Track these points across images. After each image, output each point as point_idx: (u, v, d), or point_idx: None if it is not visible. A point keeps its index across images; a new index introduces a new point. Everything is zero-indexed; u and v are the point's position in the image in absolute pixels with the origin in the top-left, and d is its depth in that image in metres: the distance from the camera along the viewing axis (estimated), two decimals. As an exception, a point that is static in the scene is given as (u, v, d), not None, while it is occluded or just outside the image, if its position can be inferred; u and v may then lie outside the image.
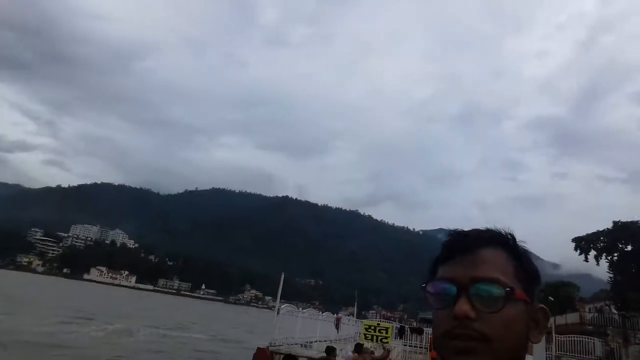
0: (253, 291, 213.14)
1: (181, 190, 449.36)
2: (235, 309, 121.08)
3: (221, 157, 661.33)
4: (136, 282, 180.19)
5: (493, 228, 0.82)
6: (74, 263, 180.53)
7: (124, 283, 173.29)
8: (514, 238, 0.82)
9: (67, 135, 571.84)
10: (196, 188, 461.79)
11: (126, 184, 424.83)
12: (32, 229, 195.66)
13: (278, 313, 11.90)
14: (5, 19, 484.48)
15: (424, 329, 19.53)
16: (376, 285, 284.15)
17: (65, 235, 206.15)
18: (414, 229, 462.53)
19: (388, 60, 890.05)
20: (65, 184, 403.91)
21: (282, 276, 13.23)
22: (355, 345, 10.00)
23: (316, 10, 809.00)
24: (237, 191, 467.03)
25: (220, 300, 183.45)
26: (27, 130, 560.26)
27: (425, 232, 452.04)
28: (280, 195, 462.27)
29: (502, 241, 0.80)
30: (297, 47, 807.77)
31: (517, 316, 0.73)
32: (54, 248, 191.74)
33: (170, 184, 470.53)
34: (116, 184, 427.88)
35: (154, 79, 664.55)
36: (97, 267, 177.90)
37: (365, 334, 13.65)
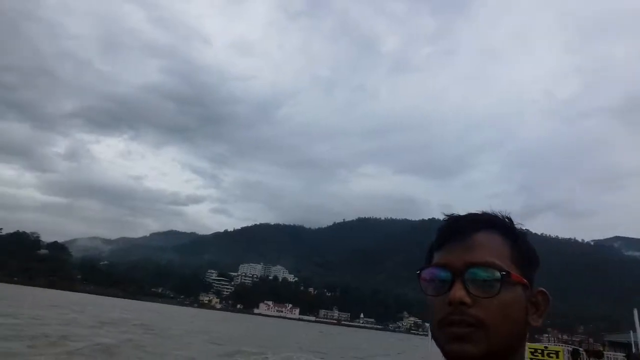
0: (412, 318, 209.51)
1: (330, 223, 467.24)
2: (396, 337, 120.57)
3: (363, 187, 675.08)
4: (300, 313, 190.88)
5: (489, 211, 0.80)
6: (244, 299, 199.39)
7: (289, 315, 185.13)
8: (510, 220, 0.79)
9: (227, 184, 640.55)
10: (343, 219, 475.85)
11: (281, 222, 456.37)
12: (209, 271, 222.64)
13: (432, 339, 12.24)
14: (166, 94, 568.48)
15: (604, 352, 17.91)
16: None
17: (235, 274, 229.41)
18: (583, 240, 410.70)
19: (520, 62, 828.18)
20: (230, 228, 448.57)
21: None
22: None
23: (436, 28, 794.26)
24: (382, 218, 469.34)
25: (379, 329, 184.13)
26: (196, 185, 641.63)
27: (597, 242, 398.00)
28: (427, 218, 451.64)
29: (497, 224, 0.77)
30: (422, 68, 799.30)
31: (514, 300, 0.71)
32: (227, 286, 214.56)
33: (320, 218, 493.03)
34: (272, 223, 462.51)
35: (293, 123, 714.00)
36: (265, 301, 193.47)
37: (531, 359, 12.70)
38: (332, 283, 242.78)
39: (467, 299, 0.69)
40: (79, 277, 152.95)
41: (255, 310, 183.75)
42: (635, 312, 12.50)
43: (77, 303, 51.20)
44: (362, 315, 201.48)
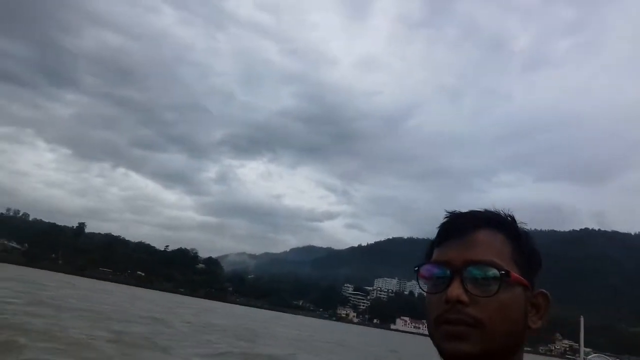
0: (566, 341, 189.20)
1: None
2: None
3: (501, 197, 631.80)
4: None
5: (492, 209, 0.78)
6: (380, 314, 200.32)
7: (426, 331, 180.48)
8: (513, 219, 0.78)
9: (359, 200, 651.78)
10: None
11: (413, 236, 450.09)
12: (345, 285, 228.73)
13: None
14: (299, 116, 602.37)
15: None
16: None
17: (371, 288, 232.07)
18: None
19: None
20: (364, 243, 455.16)
21: (582, 320, 12.38)
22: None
23: (575, 18, 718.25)
24: (526, 230, 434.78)
25: (529, 351, 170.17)
26: (330, 202, 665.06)
27: None
28: (577, 228, 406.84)
29: (500, 223, 0.76)
30: (561, 63, 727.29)
31: (513, 301, 0.69)
32: (363, 301, 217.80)
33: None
34: (405, 237, 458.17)
35: (422, 134, 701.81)
36: (401, 317, 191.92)
37: None
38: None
39: (465, 298, 0.68)
40: (230, 289, 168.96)
41: (392, 326, 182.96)
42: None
43: (244, 316, 56.09)
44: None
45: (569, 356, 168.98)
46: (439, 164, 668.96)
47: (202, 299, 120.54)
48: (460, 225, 0.74)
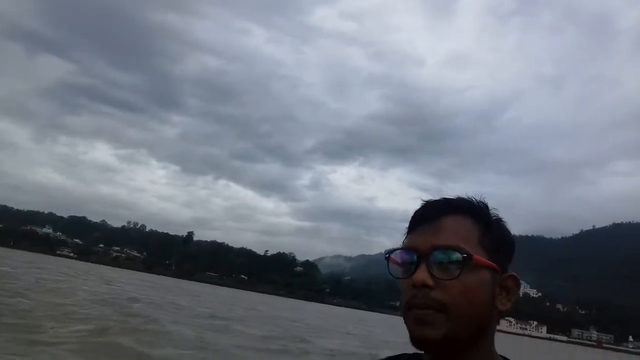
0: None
1: (576, 231, 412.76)
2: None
3: (616, 187, 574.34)
4: (547, 332, 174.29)
5: (464, 196, 0.80)
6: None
7: (534, 334, 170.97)
8: (485, 205, 0.80)
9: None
10: (593, 226, 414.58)
11: (517, 233, 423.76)
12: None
13: None
14: (387, 118, 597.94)
15: None
16: None
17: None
18: None
19: None
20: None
21: None
22: None
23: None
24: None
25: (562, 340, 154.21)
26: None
27: None
28: None
29: (469, 209, 0.77)
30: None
31: (478, 284, 0.71)
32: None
33: (562, 227, 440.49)
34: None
35: (519, 127, 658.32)
36: (506, 318, 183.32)
37: None
38: (586, 299, 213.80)
39: (429, 281, 0.69)
40: (327, 290, 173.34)
41: (497, 327, 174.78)
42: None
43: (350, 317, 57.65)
44: (631, 339, 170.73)
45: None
46: (541, 157, 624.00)
47: (301, 300, 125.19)
48: (429, 213, 0.77)
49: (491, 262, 0.73)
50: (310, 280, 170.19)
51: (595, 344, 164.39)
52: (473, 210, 0.77)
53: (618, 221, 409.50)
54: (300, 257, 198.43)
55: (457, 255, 0.70)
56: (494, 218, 0.79)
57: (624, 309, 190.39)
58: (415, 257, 0.73)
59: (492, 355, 0.74)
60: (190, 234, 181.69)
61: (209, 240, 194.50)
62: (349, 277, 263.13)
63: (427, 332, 0.68)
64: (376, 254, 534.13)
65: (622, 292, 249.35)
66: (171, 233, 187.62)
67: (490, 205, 0.81)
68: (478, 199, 0.80)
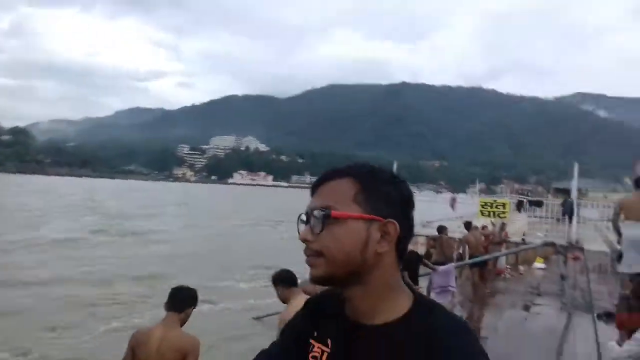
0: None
1: (300, 92, 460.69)
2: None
3: (332, 54, 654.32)
4: (273, 180, 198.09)
5: (363, 162, 0.92)
6: (218, 170, 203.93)
7: (262, 183, 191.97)
8: (370, 167, 0.90)
9: (192, 57, 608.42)
10: (312, 87, 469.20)
11: (249, 93, 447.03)
12: (180, 145, 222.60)
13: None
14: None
15: (544, 201, 19.38)
16: (504, 161, 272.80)
17: (207, 147, 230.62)
18: (545, 97, 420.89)
19: None
20: (197, 102, 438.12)
21: (395, 164, 14.31)
22: (464, 223, 10.47)
23: None
24: (352, 84, 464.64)
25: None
26: (158, 59, 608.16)
27: (559, 98, 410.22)
28: (397, 82, 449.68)
29: (349, 172, 0.88)
30: None
31: (346, 232, 0.83)
32: (199, 159, 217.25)
33: (290, 88, 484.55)
34: (240, 94, 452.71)
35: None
36: (239, 171, 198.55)
37: (481, 211, 13.38)
38: (304, 150, 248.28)
39: (309, 237, 0.84)
40: (48, 160, 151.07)
41: (230, 180, 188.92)
42: (576, 165, 13.27)
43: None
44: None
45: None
46: (275, 20, 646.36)
47: (12, 174, 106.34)
48: (317, 181, 0.91)
49: (360, 214, 0.84)
50: (23, 150, 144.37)
51: (309, 186, 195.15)
52: (353, 173, 0.87)
53: (332, 82, 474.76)
54: (7, 124, 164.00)
55: (321, 213, 0.83)
56: (380, 177, 0.88)
57: (331, 156, 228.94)
58: (304, 218, 0.88)
59: (387, 286, 0.85)
60: None
61: None
62: (73, 144, 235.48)
63: (313, 272, 0.86)
64: (106, 117, 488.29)
65: (331, 143, 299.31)
66: None
67: (394, 171, 0.92)
68: (367, 164, 0.91)
